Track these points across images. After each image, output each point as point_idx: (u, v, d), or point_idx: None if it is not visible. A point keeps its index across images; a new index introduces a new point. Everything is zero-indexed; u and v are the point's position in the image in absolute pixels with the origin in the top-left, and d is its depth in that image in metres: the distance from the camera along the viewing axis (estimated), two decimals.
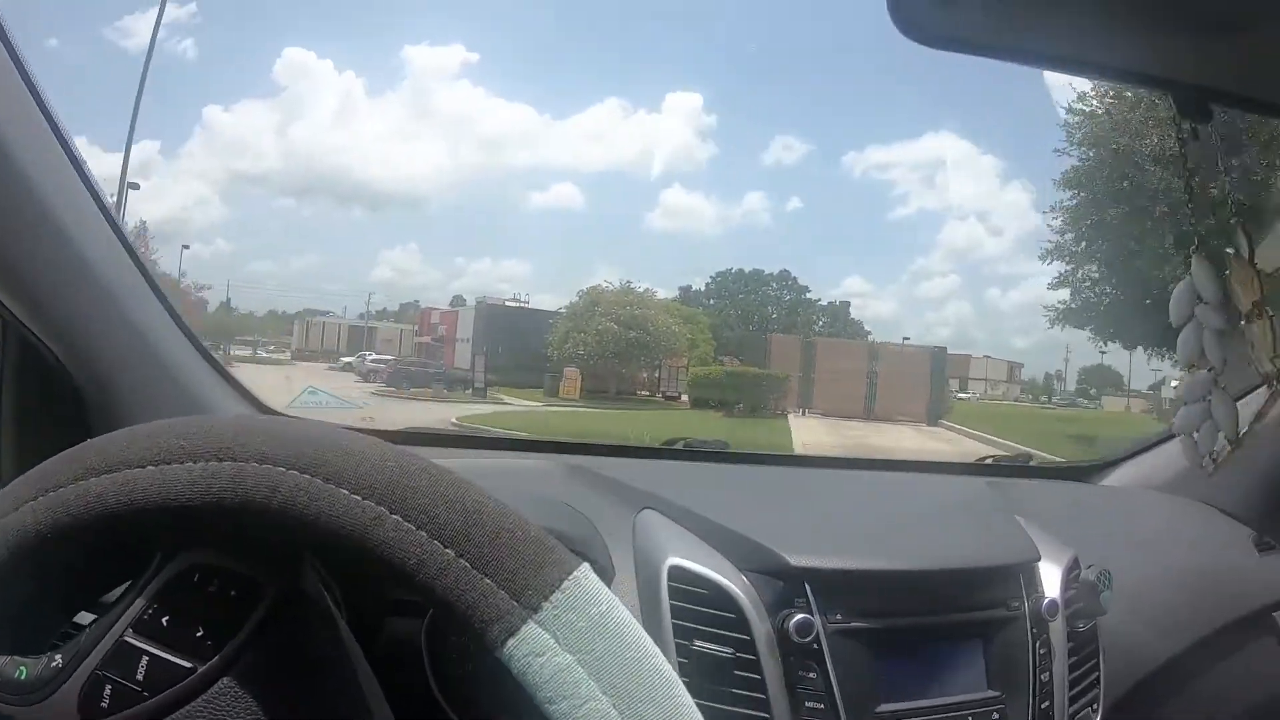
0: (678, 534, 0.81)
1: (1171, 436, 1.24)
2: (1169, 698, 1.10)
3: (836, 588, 0.79)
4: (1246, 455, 1.07)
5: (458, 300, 24.05)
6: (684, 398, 18.84)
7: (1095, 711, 0.94)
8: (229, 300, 20.99)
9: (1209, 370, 0.61)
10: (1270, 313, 0.60)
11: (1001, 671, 0.86)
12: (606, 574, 0.75)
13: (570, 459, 1.02)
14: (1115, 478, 1.53)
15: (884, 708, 0.78)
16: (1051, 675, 0.88)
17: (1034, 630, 0.88)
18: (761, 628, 0.74)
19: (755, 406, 12.39)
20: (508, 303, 23.19)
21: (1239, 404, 0.65)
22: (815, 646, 0.75)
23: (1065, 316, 9.15)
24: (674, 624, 0.73)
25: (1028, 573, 0.92)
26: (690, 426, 10.07)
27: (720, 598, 0.75)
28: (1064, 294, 9.12)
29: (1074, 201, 8.29)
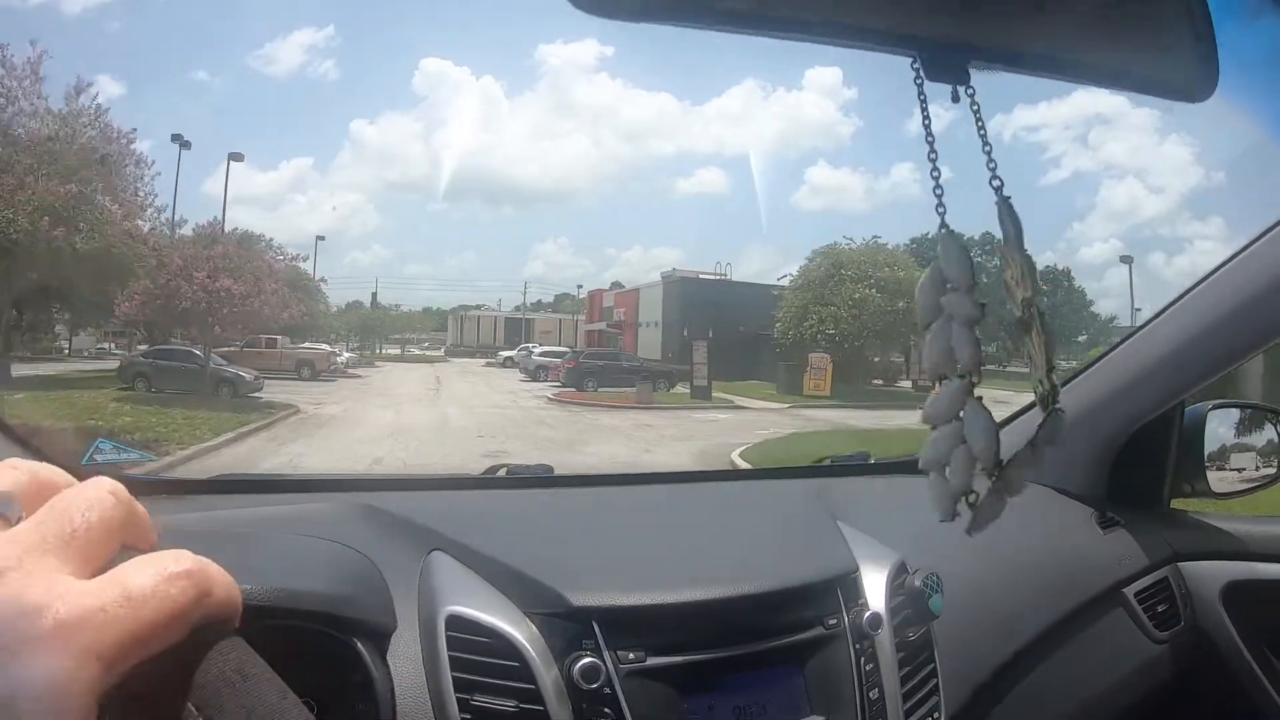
0: (462, 578, 0.85)
1: (1011, 419, 1.36)
2: (1023, 690, 1.08)
3: (628, 625, 0.81)
4: (1079, 435, 1.38)
5: (615, 286, 24.42)
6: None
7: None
8: (375, 298, 22.18)
9: (960, 378, 0.49)
10: (1041, 315, 0.52)
11: (825, 693, 0.85)
12: (385, 629, 0.78)
13: (367, 497, 1.05)
14: None
15: None
16: (882, 691, 0.86)
17: (857, 646, 0.87)
18: (548, 675, 0.77)
19: None
20: (702, 275, 21.04)
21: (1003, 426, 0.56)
22: (607, 691, 0.77)
23: None
24: (454, 677, 0.75)
25: (847, 585, 0.92)
26: None
27: (502, 645, 0.78)
28: None
29: None
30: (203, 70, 27.68)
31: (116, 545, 0.34)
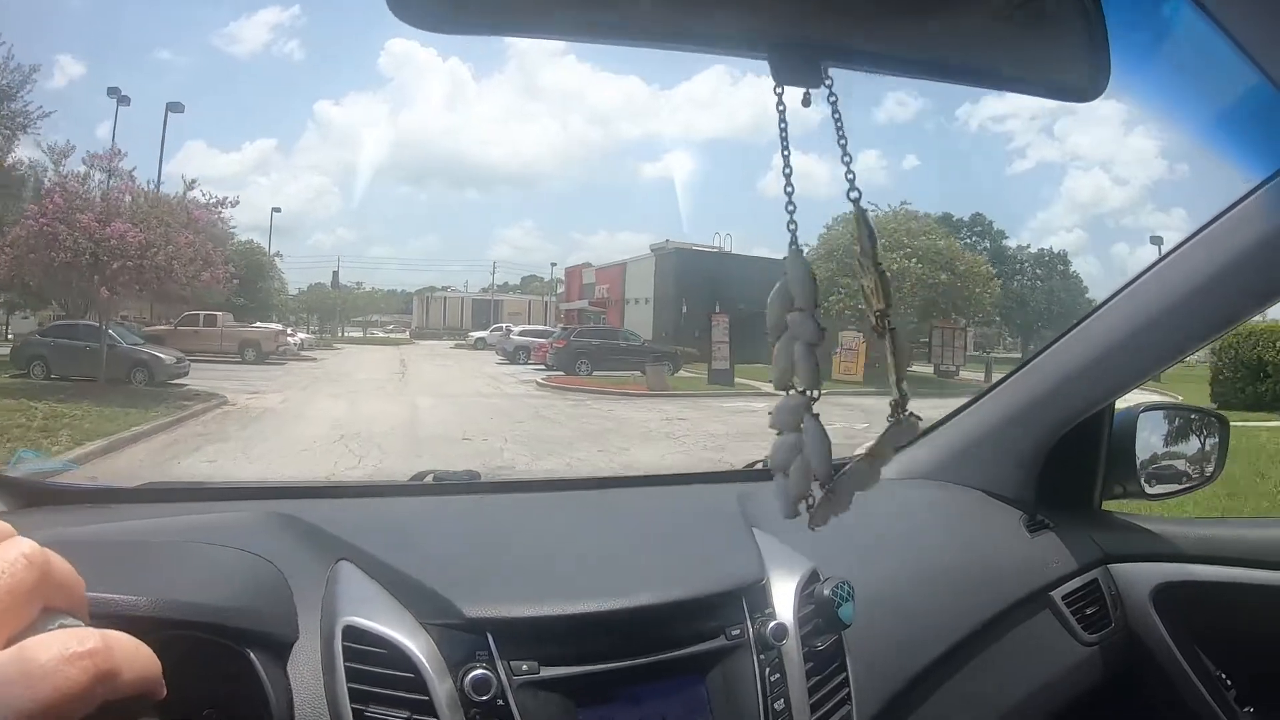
0: (363, 588, 0.95)
1: (940, 423, 1.66)
2: (945, 696, 1.20)
3: (523, 636, 0.91)
4: (1008, 437, 1.59)
5: (585, 267, 25.45)
6: (963, 373, 17.11)
7: None
8: (336, 277, 23.51)
9: (803, 393, 0.59)
10: (892, 327, 0.60)
11: (728, 704, 0.96)
12: (286, 639, 0.88)
13: (289, 505, 1.19)
14: (885, 470, 1.26)
15: None
16: (788, 701, 0.98)
17: (761, 656, 0.99)
18: (442, 687, 0.86)
19: None
20: (698, 247, 21.82)
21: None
22: (500, 702, 0.86)
23: None
24: (350, 688, 0.84)
25: (753, 595, 1.03)
26: None
27: (396, 657, 0.85)
28: None
29: None
30: (165, 50, 28.87)
31: (32, 612, 0.37)
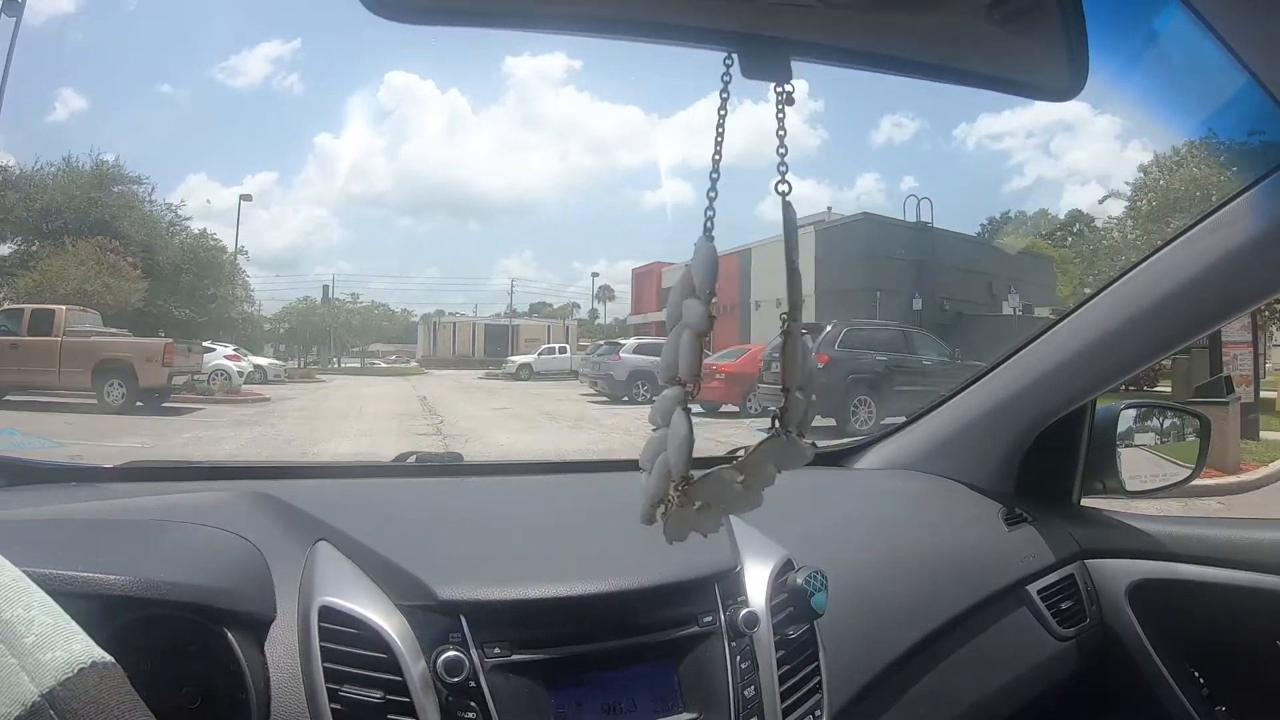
0: (340, 568, 0.96)
1: (922, 415, 1.72)
2: (917, 687, 1.22)
3: (495, 619, 0.93)
4: (989, 430, 1.62)
5: (664, 267, 23.35)
6: None
7: (818, 718, 1.05)
8: (328, 291, 20.78)
9: (679, 385, 0.56)
10: (788, 336, 0.60)
11: (698, 690, 0.98)
12: (264, 619, 0.90)
13: (270, 485, 1.21)
14: (868, 459, 1.79)
15: None
16: (759, 688, 1.00)
17: (733, 644, 1.00)
18: (415, 668, 0.86)
19: None
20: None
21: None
22: (472, 684, 0.88)
23: None
24: (326, 667, 0.86)
25: (727, 582, 1.05)
26: None
27: (371, 638, 0.87)
28: None
29: None
30: (166, 83, 29.58)
31: None
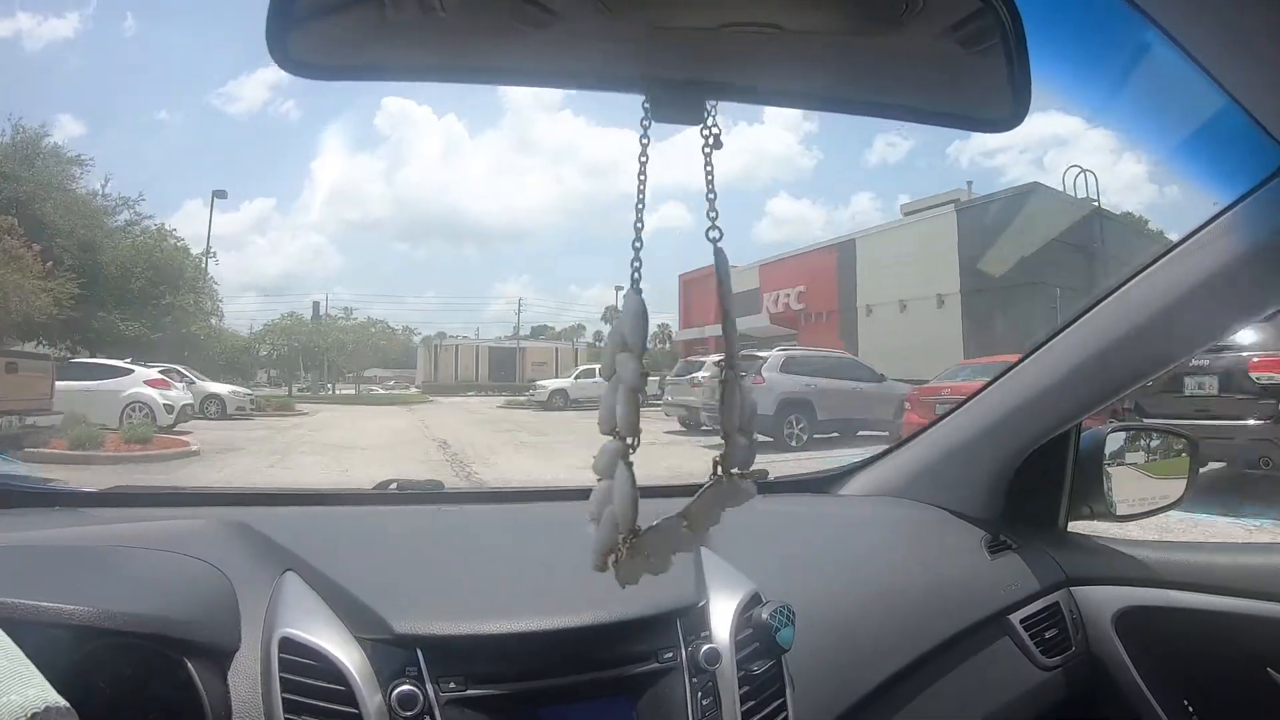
0: (303, 599, 0.97)
1: (906, 441, 1.73)
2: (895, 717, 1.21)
3: (451, 653, 0.93)
4: (974, 455, 1.60)
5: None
6: None
7: None
8: (318, 308, 19.95)
9: (620, 440, 0.58)
10: (725, 384, 0.60)
11: None
12: (227, 649, 0.90)
13: (247, 513, 1.22)
14: (853, 486, 1.77)
15: None
16: None
17: (694, 680, 0.99)
18: (372, 701, 0.88)
19: None
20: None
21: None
22: (427, 718, 0.88)
23: None
24: (284, 698, 0.86)
25: (689, 618, 1.04)
26: None
27: (329, 670, 0.88)
28: None
29: None
30: (163, 110, 29.62)
31: None
